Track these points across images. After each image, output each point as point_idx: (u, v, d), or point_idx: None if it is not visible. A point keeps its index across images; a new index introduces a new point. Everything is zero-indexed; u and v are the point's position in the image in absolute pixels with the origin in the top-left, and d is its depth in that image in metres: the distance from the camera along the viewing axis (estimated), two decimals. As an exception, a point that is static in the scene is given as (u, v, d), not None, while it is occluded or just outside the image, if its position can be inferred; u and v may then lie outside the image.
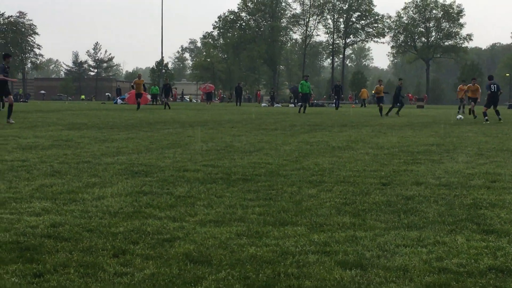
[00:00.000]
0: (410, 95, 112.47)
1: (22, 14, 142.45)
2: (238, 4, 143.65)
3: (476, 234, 5.88)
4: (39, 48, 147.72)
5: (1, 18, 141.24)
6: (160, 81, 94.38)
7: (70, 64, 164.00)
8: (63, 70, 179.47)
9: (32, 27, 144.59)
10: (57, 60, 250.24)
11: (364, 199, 7.62)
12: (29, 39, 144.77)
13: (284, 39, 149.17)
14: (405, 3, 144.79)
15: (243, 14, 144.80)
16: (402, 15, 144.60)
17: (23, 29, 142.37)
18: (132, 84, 45.26)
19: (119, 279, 4.46)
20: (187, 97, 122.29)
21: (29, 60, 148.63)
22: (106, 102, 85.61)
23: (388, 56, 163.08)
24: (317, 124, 26.14)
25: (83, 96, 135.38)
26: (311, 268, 4.73)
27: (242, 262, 4.87)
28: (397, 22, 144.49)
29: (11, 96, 24.13)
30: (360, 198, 7.69)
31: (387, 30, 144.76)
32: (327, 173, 9.92)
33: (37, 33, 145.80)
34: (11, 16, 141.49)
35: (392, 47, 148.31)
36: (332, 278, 4.53)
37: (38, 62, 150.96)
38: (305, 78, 45.99)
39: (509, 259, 5.01)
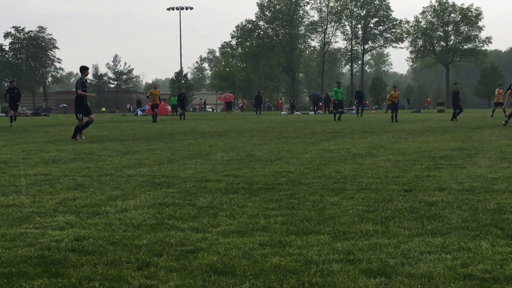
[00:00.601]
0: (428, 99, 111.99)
1: (42, 29, 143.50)
2: (256, 13, 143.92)
3: (501, 239, 5.84)
4: (59, 62, 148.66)
5: (22, 33, 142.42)
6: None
7: (90, 77, 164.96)
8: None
9: (52, 41, 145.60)
10: (77, 73, 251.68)
11: (387, 206, 7.60)
12: (49, 53, 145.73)
13: (303, 47, 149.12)
14: (423, 7, 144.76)
15: (261, 23, 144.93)
16: (420, 19, 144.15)
17: (43, 44, 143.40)
18: (148, 95, 43.28)
19: (144, 292, 4.48)
20: (208, 107, 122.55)
21: (49, 74, 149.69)
22: (127, 114, 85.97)
23: (407, 61, 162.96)
24: (337, 131, 26.09)
25: (103, 109, 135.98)
26: (335, 277, 4.72)
27: (266, 273, 4.87)
28: (415, 27, 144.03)
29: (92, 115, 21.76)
30: (382, 205, 7.67)
31: (405, 35, 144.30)
32: (349, 181, 9.90)
33: (57, 47, 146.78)
34: (31, 31, 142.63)
35: (411, 52, 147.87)
36: (356, 286, 4.52)
37: (58, 75, 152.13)
38: (338, 85, 44.92)
39: (535, 264, 4.97)
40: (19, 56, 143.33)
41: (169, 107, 75.68)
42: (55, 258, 5.37)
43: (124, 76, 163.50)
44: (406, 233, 6.14)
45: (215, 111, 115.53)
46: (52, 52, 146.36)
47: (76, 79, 21.22)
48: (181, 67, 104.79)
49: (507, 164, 12.08)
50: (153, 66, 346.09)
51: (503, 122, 28.64)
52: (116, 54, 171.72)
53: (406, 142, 18.48)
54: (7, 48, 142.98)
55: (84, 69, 21.65)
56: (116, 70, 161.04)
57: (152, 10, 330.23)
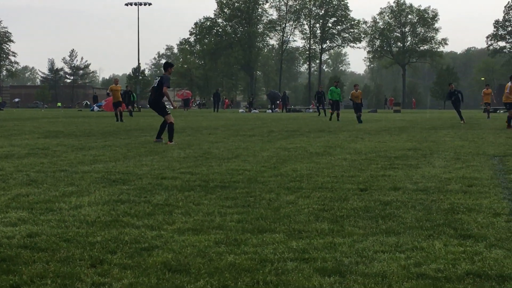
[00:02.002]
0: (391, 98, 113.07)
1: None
2: (215, 11, 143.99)
3: (454, 239, 5.90)
4: (14, 56, 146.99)
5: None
6: (137, 88, 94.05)
7: (46, 72, 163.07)
8: (39, 77, 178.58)
9: (7, 34, 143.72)
10: (32, 67, 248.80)
11: (342, 205, 7.63)
12: (4, 47, 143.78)
13: (261, 45, 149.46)
14: (381, 8, 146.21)
15: (220, 20, 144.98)
16: (377, 20, 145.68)
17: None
18: (108, 91, 39.51)
19: (97, 290, 4.42)
20: (167, 103, 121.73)
21: (4, 68, 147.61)
22: (83, 110, 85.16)
23: (365, 61, 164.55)
24: (294, 130, 26.17)
25: (59, 104, 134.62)
26: (290, 276, 4.72)
27: (221, 271, 4.85)
28: (373, 27, 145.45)
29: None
30: (338, 204, 7.70)
31: (363, 35, 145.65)
32: (305, 179, 9.92)
33: (12, 41, 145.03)
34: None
35: (368, 52, 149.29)
36: (311, 285, 4.52)
37: (13, 69, 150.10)
38: (335, 84, 41.37)
39: (487, 264, 5.04)
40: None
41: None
42: (6, 254, 5.29)
43: (81, 71, 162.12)
44: (361, 232, 6.17)
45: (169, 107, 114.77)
46: (7, 46, 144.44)
47: (161, 76, 18.57)
48: (139, 63, 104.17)
49: (461, 164, 12.23)
50: (111, 62, 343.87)
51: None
52: (73, 49, 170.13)
53: (363, 142, 18.61)
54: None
55: (169, 66, 18.95)
56: (73, 65, 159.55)
57: (110, 5, 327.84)
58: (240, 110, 79.75)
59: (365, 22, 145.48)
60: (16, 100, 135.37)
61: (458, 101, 35.91)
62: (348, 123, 32.72)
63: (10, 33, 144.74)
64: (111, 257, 5.23)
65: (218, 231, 6.20)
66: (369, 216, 6.96)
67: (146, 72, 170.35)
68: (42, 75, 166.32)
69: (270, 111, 74.81)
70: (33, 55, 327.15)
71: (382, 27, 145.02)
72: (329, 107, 41.28)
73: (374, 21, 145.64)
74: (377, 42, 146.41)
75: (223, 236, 5.99)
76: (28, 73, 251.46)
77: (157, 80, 18.56)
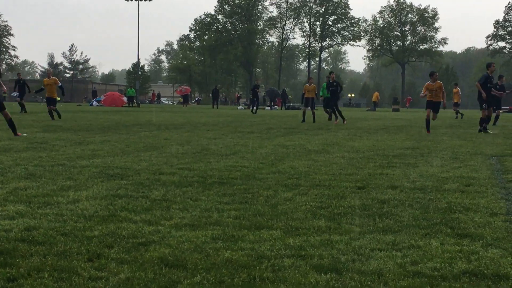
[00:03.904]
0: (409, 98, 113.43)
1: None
2: (215, 7, 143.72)
3: (450, 238, 5.92)
4: (14, 49, 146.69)
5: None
6: (137, 83, 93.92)
7: (46, 66, 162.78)
8: (38, 71, 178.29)
9: (7, 28, 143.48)
10: (32, 61, 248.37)
11: (340, 203, 7.64)
12: (3, 40, 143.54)
13: (261, 42, 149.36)
14: (381, 7, 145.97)
15: (220, 16, 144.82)
16: (378, 18, 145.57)
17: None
18: (43, 86, 32.08)
19: (93, 284, 4.43)
20: (165, 99, 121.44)
21: (4, 62, 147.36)
22: (82, 104, 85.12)
23: (364, 59, 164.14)
24: (293, 127, 26.17)
25: (58, 98, 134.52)
26: (286, 272, 4.73)
27: (218, 266, 4.86)
28: (373, 26, 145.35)
29: None
30: (335, 202, 7.71)
31: (363, 34, 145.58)
32: (303, 177, 9.94)
33: (12, 34, 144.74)
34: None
35: (368, 50, 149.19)
36: (307, 282, 4.53)
37: (13, 63, 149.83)
38: (327, 80, 35.20)
39: (483, 263, 5.05)
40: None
41: (124, 98, 75.20)
42: (4, 248, 5.29)
43: (80, 66, 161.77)
44: (357, 230, 6.18)
45: (171, 103, 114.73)
46: (7, 39, 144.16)
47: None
48: (138, 59, 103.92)
49: (459, 164, 12.24)
50: (110, 57, 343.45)
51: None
52: (73, 44, 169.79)
53: (361, 140, 18.62)
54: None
55: (488, 66, 24.66)
56: (72, 59, 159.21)
57: (110, 0, 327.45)
58: (239, 107, 79.69)
59: (365, 21, 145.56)
60: (15, 94, 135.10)
61: (334, 95, 32.25)
62: (348, 122, 32.70)
63: (10, 27, 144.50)
64: (108, 252, 5.23)
65: (215, 227, 6.20)
66: (366, 214, 6.97)
67: (146, 67, 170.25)
68: (42, 69, 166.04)
69: (269, 108, 74.75)
70: (33, 49, 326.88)
71: (382, 25, 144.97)
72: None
73: (374, 19, 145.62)
74: (377, 41, 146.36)
75: (220, 232, 6.00)
76: (28, 67, 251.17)
77: None
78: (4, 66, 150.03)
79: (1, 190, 8.16)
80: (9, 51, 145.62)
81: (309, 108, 32.51)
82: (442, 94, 22.67)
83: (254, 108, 49.84)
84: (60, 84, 31.51)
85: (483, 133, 22.82)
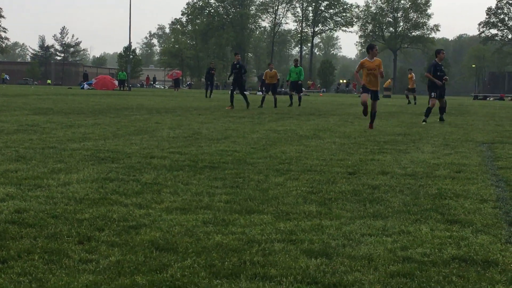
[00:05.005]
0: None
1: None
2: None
3: (440, 224, 5.93)
4: (4, 31, 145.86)
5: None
6: (128, 67, 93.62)
7: (37, 48, 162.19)
8: (29, 54, 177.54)
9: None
10: (23, 44, 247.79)
11: (331, 188, 7.65)
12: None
13: (253, 27, 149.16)
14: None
15: (212, 0, 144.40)
16: (370, 4, 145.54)
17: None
18: None
19: (84, 266, 4.43)
20: (157, 84, 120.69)
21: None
22: (73, 87, 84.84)
23: (356, 45, 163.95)
24: (284, 112, 26.17)
25: (49, 81, 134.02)
26: (277, 257, 4.74)
27: (208, 250, 4.86)
28: (366, 12, 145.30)
29: None
30: (326, 187, 7.72)
31: (355, 20, 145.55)
32: (294, 162, 9.94)
33: (2, 16, 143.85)
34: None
35: (360, 36, 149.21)
36: (297, 266, 4.54)
37: (3, 45, 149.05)
38: (294, 63, 35.56)
39: (472, 249, 5.07)
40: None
41: (116, 82, 74.98)
42: (-6, 230, 5.28)
43: (72, 49, 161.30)
44: (348, 215, 6.19)
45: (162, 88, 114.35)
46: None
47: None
48: (130, 42, 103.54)
49: (449, 150, 12.27)
50: (102, 40, 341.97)
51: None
52: (64, 26, 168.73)
53: (352, 126, 18.64)
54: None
55: (437, 53, 22.36)
56: (64, 42, 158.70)
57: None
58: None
59: (358, 7, 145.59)
60: (6, 76, 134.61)
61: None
62: (338, 107, 32.72)
63: (1, 9, 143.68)
64: (99, 235, 5.23)
65: (206, 211, 6.20)
66: (357, 200, 6.98)
67: (138, 51, 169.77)
68: (33, 52, 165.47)
69: (260, 93, 74.58)
70: (24, 31, 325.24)
71: (374, 11, 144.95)
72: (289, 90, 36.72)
73: (367, 5, 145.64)
74: (369, 27, 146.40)
75: (211, 216, 6.00)
76: (19, 49, 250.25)
77: None
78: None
79: (-8, 172, 8.13)
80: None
81: (271, 93, 32.77)
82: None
83: (209, 92, 47.97)
84: None
85: (438, 123, 20.97)
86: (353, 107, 33.54)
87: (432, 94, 21.12)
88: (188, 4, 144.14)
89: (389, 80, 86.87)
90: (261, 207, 6.47)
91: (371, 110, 17.78)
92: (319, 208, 6.47)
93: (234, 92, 29.51)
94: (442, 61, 21.57)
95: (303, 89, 37.72)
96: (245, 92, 30.49)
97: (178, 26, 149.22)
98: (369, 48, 17.73)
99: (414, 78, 44.05)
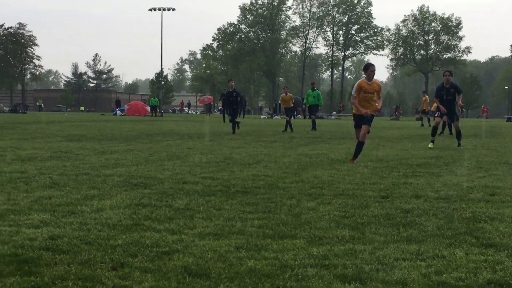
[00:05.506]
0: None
1: (22, 25, 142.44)
2: (238, 17, 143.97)
3: (475, 248, 5.87)
4: (38, 59, 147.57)
5: (1, 29, 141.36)
6: (160, 93, 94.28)
7: (70, 75, 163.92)
8: (63, 81, 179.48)
9: (31, 38, 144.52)
10: (56, 71, 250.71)
11: (363, 212, 7.61)
12: (28, 50, 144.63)
13: (284, 51, 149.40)
14: (404, 15, 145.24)
15: (243, 26, 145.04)
16: (401, 27, 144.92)
17: (22, 40, 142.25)
18: None
19: (117, 292, 4.44)
20: (190, 109, 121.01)
21: (28, 71, 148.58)
22: (106, 114, 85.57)
23: (387, 68, 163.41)
24: (316, 136, 26.14)
25: (82, 108, 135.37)
26: (310, 282, 4.72)
27: (241, 276, 4.85)
28: (396, 35, 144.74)
29: None
30: (359, 211, 7.68)
31: (386, 43, 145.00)
32: (326, 186, 9.91)
33: (36, 44, 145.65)
34: (11, 27, 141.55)
35: (391, 59, 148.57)
36: (331, 291, 4.51)
37: (37, 73, 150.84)
38: (311, 87, 35.18)
39: (508, 273, 5.00)
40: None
41: (148, 108, 75.53)
42: (28, 256, 5.33)
43: (104, 76, 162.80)
44: (381, 240, 6.15)
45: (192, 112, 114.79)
46: (32, 49, 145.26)
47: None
48: (162, 68, 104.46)
49: (483, 173, 12.15)
50: (134, 66, 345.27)
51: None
52: (96, 53, 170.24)
53: (384, 149, 18.55)
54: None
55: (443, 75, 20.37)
56: (96, 69, 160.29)
57: (134, 10, 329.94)
58: (262, 116, 79.71)
59: (388, 30, 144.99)
60: (41, 104, 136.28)
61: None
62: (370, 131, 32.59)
63: (35, 37, 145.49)
64: (132, 261, 5.25)
65: (238, 236, 6.20)
66: (390, 224, 6.93)
67: (169, 77, 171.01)
68: (66, 79, 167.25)
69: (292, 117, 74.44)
70: (57, 58, 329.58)
71: (405, 34, 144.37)
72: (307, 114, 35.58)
73: (398, 28, 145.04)
74: (400, 50, 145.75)
75: (243, 241, 5.99)
76: (52, 77, 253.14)
77: None
78: (28, 76, 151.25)
79: (26, 199, 8.22)
80: (33, 61, 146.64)
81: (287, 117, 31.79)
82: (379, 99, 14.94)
83: (228, 116, 36.64)
84: None
85: (458, 148, 19.41)
86: (385, 130, 33.40)
87: (436, 113, 20.81)
88: (219, 29, 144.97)
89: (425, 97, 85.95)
90: (293, 231, 6.45)
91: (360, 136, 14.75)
92: (352, 233, 6.44)
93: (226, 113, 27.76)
94: (448, 84, 19.87)
95: (334, 112, 37.00)
96: (236, 120, 28.38)
97: (209, 52, 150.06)
98: (365, 68, 15.23)
99: (428, 100, 43.80)
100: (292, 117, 31.12)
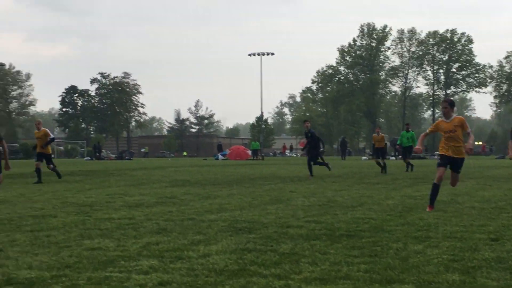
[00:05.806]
0: None
1: (127, 75, 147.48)
2: (336, 59, 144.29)
3: None
4: (142, 107, 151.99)
5: (108, 79, 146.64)
6: (261, 137, 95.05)
7: (173, 122, 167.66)
8: (166, 127, 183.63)
9: (136, 86, 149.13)
10: (159, 118, 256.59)
11: (473, 256, 7.41)
12: (133, 98, 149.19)
13: (383, 92, 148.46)
14: (507, 51, 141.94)
15: (342, 68, 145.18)
16: (504, 64, 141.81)
17: (127, 89, 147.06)
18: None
19: None
20: (289, 152, 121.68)
21: (133, 119, 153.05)
22: (208, 159, 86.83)
23: (491, 106, 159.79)
24: (419, 177, 25.72)
25: (185, 153, 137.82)
26: (421, 329, 4.62)
27: (350, 322, 4.80)
28: (499, 72, 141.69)
29: None
30: (468, 255, 7.49)
31: (489, 80, 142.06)
32: (433, 228, 9.72)
33: (140, 92, 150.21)
34: (117, 77, 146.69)
35: (495, 97, 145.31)
36: (443, 339, 4.40)
37: (141, 120, 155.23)
38: (406, 128, 34.23)
39: None
40: (104, 101, 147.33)
41: (249, 152, 76.26)
42: (139, 302, 5.42)
43: (206, 121, 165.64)
44: (494, 284, 5.97)
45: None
46: (136, 97, 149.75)
47: None
48: (262, 112, 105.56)
49: None
50: (234, 111, 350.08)
51: None
52: (198, 99, 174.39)
53: (491, 189, 18.07)
54: (93, 94, 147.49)
55: None
56: (198, 115, 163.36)
57: (233, 55, 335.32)
58: (363, 158, 79.16)
59: (491, 67, 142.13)
60: (143, 150, 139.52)
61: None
62: (475, 170, 31.83)
63: (139, 85, 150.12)
64: (240, 306, 5.26)
65: (345, 281, 6.14)
66: (503, 268, 6.72)
67: (269, 120, 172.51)
68: (169, 125, 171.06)
69: (393, 158, 73.58)
70: (160, 105, 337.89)
71: (509, 71, 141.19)
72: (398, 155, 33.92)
73: (500, 65, 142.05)
74: (504, 87, 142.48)
75: (351, 286, 5.93)
76: (155, 124, 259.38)
77: None
78: (133, 123, 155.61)
79: (135, 245, 8.39)
80: (138, 108, 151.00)
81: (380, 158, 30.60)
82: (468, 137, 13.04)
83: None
84: (52, 136, 24.99)
85: None
86: (491, 170, 32.56)
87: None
88: (318, 72, 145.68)
89: None
90: (401, 276, 6.34)
91: (450, 182, 13.99)
92: (462, 277, 6.27)
93: (311, 162, 27.03)
94: None
95: (436, 152, 36.03)
96: (311, 163, 27.16)
97: (309, 94, 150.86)
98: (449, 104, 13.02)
99: None
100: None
